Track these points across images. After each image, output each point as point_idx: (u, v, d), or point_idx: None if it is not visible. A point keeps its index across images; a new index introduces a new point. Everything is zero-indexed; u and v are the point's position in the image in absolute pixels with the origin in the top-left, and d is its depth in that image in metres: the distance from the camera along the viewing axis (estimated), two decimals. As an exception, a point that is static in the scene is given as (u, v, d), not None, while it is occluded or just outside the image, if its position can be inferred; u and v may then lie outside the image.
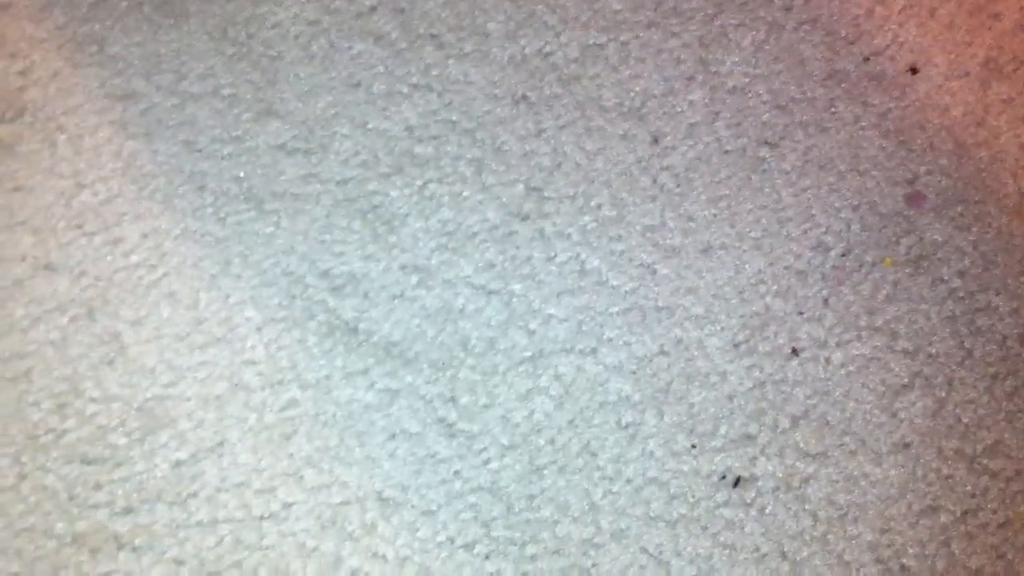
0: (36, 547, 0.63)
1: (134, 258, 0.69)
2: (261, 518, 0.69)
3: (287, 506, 0.71)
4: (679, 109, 0.85)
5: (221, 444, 0.65)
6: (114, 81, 0.77)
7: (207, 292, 0.69)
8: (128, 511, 0.66)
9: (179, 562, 0.66)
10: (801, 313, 0.82)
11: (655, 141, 0.82)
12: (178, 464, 0.66)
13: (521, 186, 0.74)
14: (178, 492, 0.65)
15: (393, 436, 0.74)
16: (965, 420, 0.82)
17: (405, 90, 0.79)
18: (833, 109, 0.88)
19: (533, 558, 0.72)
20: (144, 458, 0.66)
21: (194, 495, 0.68)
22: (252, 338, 0.73)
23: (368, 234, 0.78)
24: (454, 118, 0.79)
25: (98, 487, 0.65)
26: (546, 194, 0.78)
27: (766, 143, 0.85)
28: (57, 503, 0.64)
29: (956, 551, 0.79)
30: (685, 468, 0.76)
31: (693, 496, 0.75)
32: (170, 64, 0.80)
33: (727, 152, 0.84)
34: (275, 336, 0.74)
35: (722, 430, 0.77)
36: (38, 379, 0.66)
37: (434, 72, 0.82)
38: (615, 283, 0.78)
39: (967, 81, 0.92)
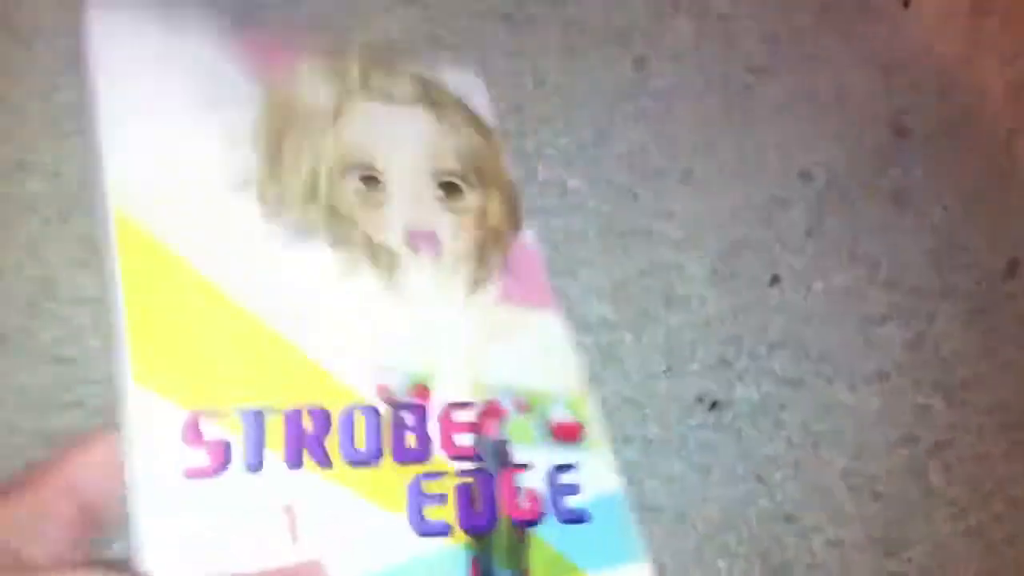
0: (5, 444, 0.63)
1: (110, 161, 0.68)
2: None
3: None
4: (664, 34, 0.84)
5: (194, 349, 0.64)
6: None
7: (182, 196, 0.69)
8: (100, 412, 0.65)
9: (149, 464, 0.65)
10: (782, 242, 0.81)
11: (639, 66, 0.82)
12: (150, 368, 0.66)
13: (503, 104, 0.73)
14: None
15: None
16: (943, 353, 0.82)
17: (386, 3, 0.78)
18: (822, 41, 0.88)
19: (506, 473, 0.72)
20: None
21: (166, 397, 0.68)
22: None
23: (348, 149, 0.77)
24: (438, 33, 0.78)
25: (70, 388, 0.65)
26: (527, 113, 0.78)
27: (752, 72, 0.85)
28: (28, 402, 0.64)
29: (931, 481, 0.79)
30: (661, 390, 0.75)
31: (668, 418, 0.75)
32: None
33: (712, 80, 0.84)
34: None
35: (699, 354, 0.77)
36: (11, 279, 0.65)
37: (418, -11, 0.81)
38: (594, 204, 0.77)
39: (957, 18, 0.92)
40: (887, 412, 0.79)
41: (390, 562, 0.52)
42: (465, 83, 0.67)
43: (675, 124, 0.82)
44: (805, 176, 0.83)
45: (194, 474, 0.50)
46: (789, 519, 0.75)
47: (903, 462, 0.79)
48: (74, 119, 0.68)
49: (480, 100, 0.67)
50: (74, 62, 0.70)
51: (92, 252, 0.67)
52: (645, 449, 0.74)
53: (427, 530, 0.53)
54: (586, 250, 0.76)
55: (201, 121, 0.58)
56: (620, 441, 0.73)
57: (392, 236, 0.60)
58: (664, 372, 0.76)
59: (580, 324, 0.75)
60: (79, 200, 0.67)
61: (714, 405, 0.76)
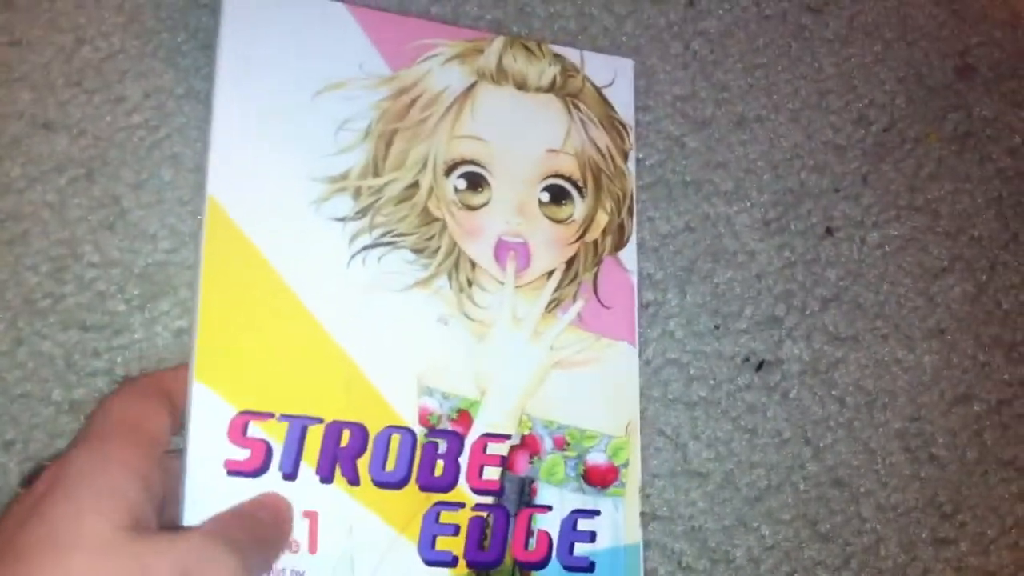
0: (32, 414, 0.62)
1: (136, 118, 0.66)
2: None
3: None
4: (717, -30, 0.80)
5: (223, 313, 0.63)
6: (118, -70, 0.73)
7: (210, 156, 0.66)
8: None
9: (179, 433, 0.64)
10: (838, 190, 0.78)
11: (690, 3, 0.78)
12: (179, 333, 0.64)
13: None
14: (179, 361, 0.63)
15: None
16: (1005, 306, 0.79)
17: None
18: (883, -27, 0.83)
19: (546, 437, 0.70)
20: (144, 326, 0.64)
21: (194, 365, 0.66)
22: (259, 204, 0.71)
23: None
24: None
25: (96, 354, 0.63)
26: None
27: (808, 8, 0.80)
28: (54, 370, 0.62)
29: (989, 441, 0.76)
30: (707, 349, 0.73)
31: (714, 378, 0.73)
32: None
33: (766, 17, 0.79)
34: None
35: (747, 311, 0.74)
36: (35, 242, 0.63)
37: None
38: (640, 156, 0.74)
39: (1029, -54, 0.86)
40: (944, 370, 0.76)
41: None
42: (610, 69, 0.64)
43: (727, 66, 0.78)
44: (862, 119, 0.80)
45: (235, 471, 0.50)
46: (839, 483, 0.73)
47: (960, 422, 0.76)
48: (98, 77, 0.66)
49: (623, 89, 0.65)
50: (98, 16, 0.68)
51: (118, 215, 0.65)
52: (690, 411, 0.72)
53: (433, 559, 0.54)
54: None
55: (317, 108, 0.57)
56: (664, 403, 0.71)
57: (480, 245, 0.58)
58: (711, 331, 0.73)
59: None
60: (105, 160, 0.65)
61: (761, 365, 0.73)
